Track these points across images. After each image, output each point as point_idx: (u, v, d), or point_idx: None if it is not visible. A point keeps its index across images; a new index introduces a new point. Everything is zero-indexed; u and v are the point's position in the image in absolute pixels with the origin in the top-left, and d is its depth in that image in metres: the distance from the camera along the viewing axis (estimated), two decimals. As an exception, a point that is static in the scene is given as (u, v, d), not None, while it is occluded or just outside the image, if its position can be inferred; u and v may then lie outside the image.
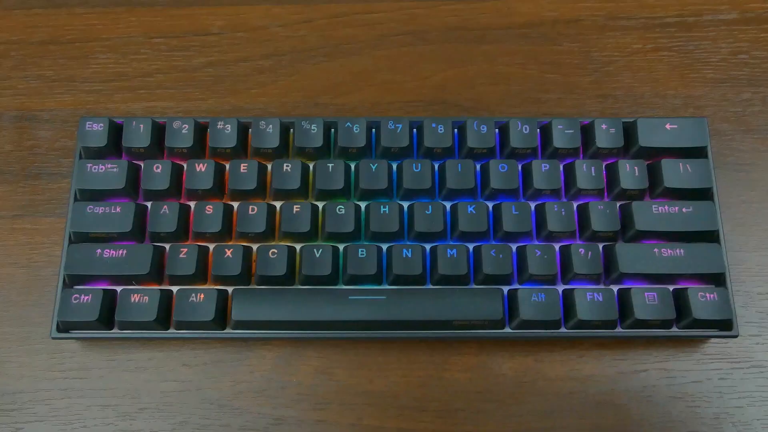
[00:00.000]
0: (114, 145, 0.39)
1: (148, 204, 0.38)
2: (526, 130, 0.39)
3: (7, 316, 0.39)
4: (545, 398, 0.37)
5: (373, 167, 0.38)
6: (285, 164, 0.38)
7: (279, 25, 0.46)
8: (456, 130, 0.40)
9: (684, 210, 0.37)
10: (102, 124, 0.39)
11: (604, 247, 0.37)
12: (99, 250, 0.37)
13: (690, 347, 0.38)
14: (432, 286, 0.37)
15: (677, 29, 0.45)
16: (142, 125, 0.39)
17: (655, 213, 0.37)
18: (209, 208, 0.37)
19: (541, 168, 0.38)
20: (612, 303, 0.36)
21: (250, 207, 0.37)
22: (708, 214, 0.37)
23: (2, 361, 0.38)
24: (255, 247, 0.37)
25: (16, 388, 0.37)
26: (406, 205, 0.38)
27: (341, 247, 0.37)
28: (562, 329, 0.37)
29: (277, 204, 0.38)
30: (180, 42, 0.45)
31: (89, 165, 0.38)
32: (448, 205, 0.38)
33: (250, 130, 0.40)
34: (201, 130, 0.39)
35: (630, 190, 0.38)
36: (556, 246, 0.37)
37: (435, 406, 0.37)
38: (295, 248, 0.37)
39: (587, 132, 0.39)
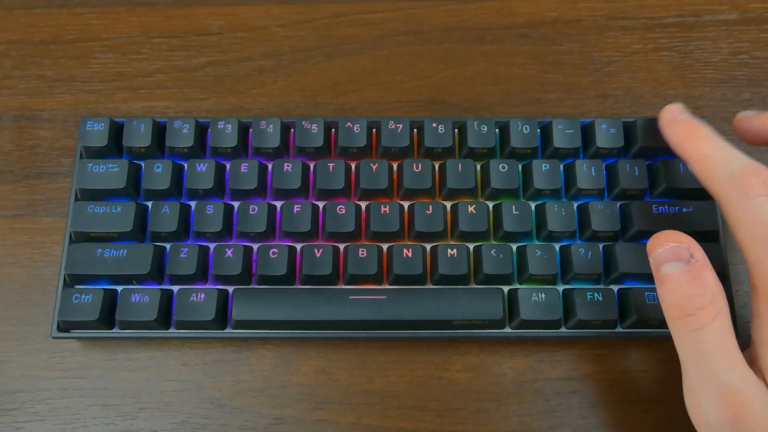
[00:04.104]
0: (115, 144, 0.39)
1: (149, 203, 0.38)
2: (526, 130, 0.39)
3: (7, 315, 0.39)
4: (545, 398, 0.37)
5: (374, 167, 0.38)
6: (285, 164, 0.38)
7: (279, 25, 0.46)
8: (456, 129, 0.40)
9: (684, 210, 0.37)
10: (102, 124, 0.39)
11: (604, 246, 0.37)
12: (99, 250, 0.37)
13: (690, 347, 0.38)
14: (432, 286, 0.37)
15: (677, 29, 0.45)
16: (142, 125, 0.39)
17: (655, 213, 0.37)
18: (210, 208, 0.37)
19: (541, 168, 0.38)
20: (612, 303, 0.36)
21: (251, 207, 0.37)
22: (708, 214, 0.37)
23: (2, 360, 0.38)
24: (255, 246, 0.37)
25: (16, 387, 0.37)
26: (406, 204, 0.38)
27: (341, 246, 0.37)
28: (562, 329, 0.37)
29: (278, 204, 0.38)
30: (180, 42, 0.45)
31: (90, 164, 0.38)
32: (448, 204, 0.38)
33: (250, 129, 0.40)
34: (201, 130, 0.39)
35: (630, 189, 0.38)
36: (556, 246, 0.37)
37: (435, 405, 0.37)
38: (295, 248, 0.38)
39: (587, 132, 0.39)
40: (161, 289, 0.36)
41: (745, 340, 0.37)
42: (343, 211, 0.37)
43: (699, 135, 0.33)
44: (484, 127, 0.39)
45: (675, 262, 0.29)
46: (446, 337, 0.37)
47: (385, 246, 0.37)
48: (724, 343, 0.28)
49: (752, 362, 0.30)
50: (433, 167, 0.39)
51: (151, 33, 0.45)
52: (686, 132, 0.33)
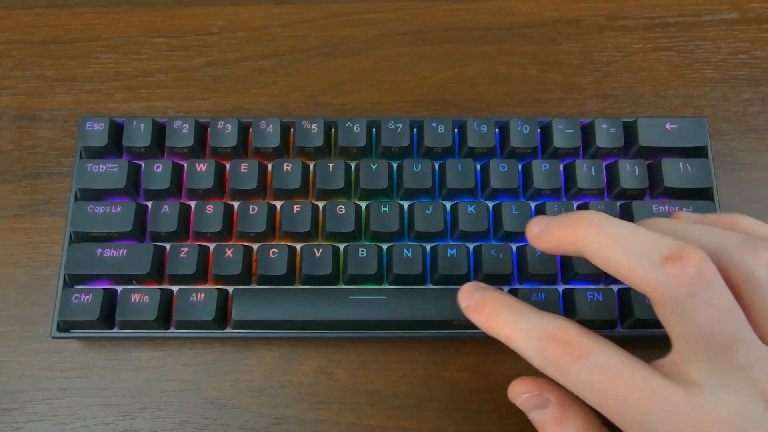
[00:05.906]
0: (114, 144, 0.39)
1: (149, 203, 0.38)
2: (526, 129, 0.39)
3: (7, 315, 0.39)
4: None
5: (374, 167, 0.38)
6: (285, 164, 0.38)
7: (279, 25, 0.46)
8: (456, 129, 0.40)
9: (684, 210, 0.37)
10: (102, 124, 0.39)
11: (604, 246, 0.37)
12: (99, 250, 0.37)
13: (690, 347, 0.38)
14: (432, 286, 0.37)
15: (677, 29, 0.45)
16: (142, 125, 0.39)
17: (655, 213, 0.37)
18: (210, 208, 0.37)
19: (541, 168, 0.38)
20: (612, 303, 0.36)
21: (251, 207, 0.37)
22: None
23: (2, 360, 0.38)
24: (255, 246, 0.37)
25: (16, 387, 0.37)
26: (406, 204, 0.38)
27: (341, 246, 0.37)
28: (562, 329, 0.37)
29: (278, 204, 0.38)
30: (180, 42, 0.45)
31: (90, 164, 0.38)
32: (448, 204, 0.38)
33: (250, 129, 0.40)
34: (201, 130, 0.39)
35: (630, 189, 0.38)
36: (557, 246, 0.37)
37: (435, 405, 0.37)
38: (295, 248, 0.38)
39: (587, 132, 0.39)
40: (161, 289, 0.36)
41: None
42: (343, 211, 0.37)
43: (496, 314, 0.29)
44: (484, 127, 0.39)
45: (537, 411, 0.30)
46: (446, 337, 0.37)
47: (385, 246, 0.37)
48: None
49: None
50: (433, 167, 0.39)
51: (151, 33, 0.45)
52: (485, 317, 0.30)
